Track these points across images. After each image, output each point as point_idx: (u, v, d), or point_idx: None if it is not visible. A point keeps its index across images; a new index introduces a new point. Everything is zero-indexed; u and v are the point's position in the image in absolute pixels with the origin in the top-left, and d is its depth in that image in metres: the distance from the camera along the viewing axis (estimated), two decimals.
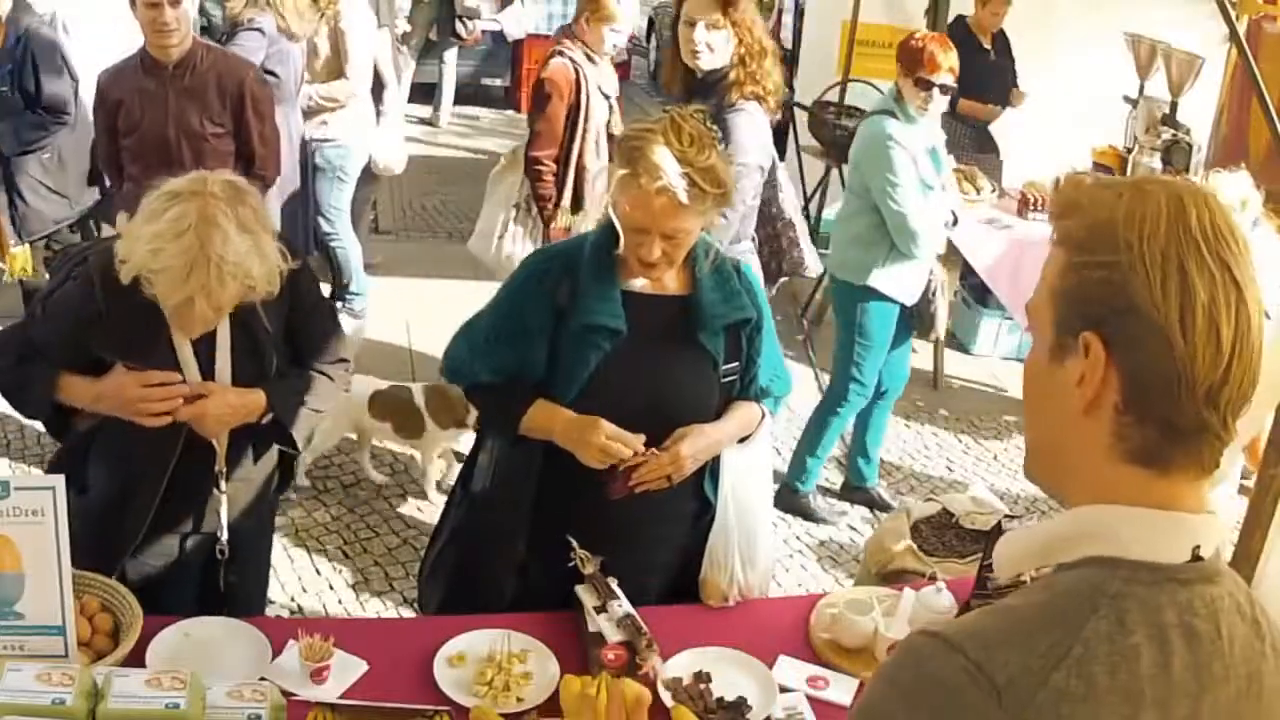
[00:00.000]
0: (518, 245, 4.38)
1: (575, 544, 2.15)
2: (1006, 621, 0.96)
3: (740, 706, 2.01)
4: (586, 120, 4.19)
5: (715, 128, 2.11)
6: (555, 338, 2.18)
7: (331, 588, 3.73)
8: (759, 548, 2.36)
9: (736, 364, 2.28)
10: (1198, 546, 0.96)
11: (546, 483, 2.24)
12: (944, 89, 3.92)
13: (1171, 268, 0.93)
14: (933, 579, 2.52)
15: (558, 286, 2.18)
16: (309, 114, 5.05)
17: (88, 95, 5.05)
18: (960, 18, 5.97)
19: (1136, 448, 0.96)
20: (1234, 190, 3.92)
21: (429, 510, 4.18)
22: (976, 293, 5.93)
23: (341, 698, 1.93)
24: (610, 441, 2.10)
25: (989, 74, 6.15)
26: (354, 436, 4.39)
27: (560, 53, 4.21)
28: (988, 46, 6.21)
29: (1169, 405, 0.94)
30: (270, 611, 3.53)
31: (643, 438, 2.14)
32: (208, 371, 2.22)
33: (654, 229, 2.07)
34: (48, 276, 2.50)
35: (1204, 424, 0.95)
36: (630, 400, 2.18)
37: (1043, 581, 0.99)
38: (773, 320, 2.40)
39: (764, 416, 2.36)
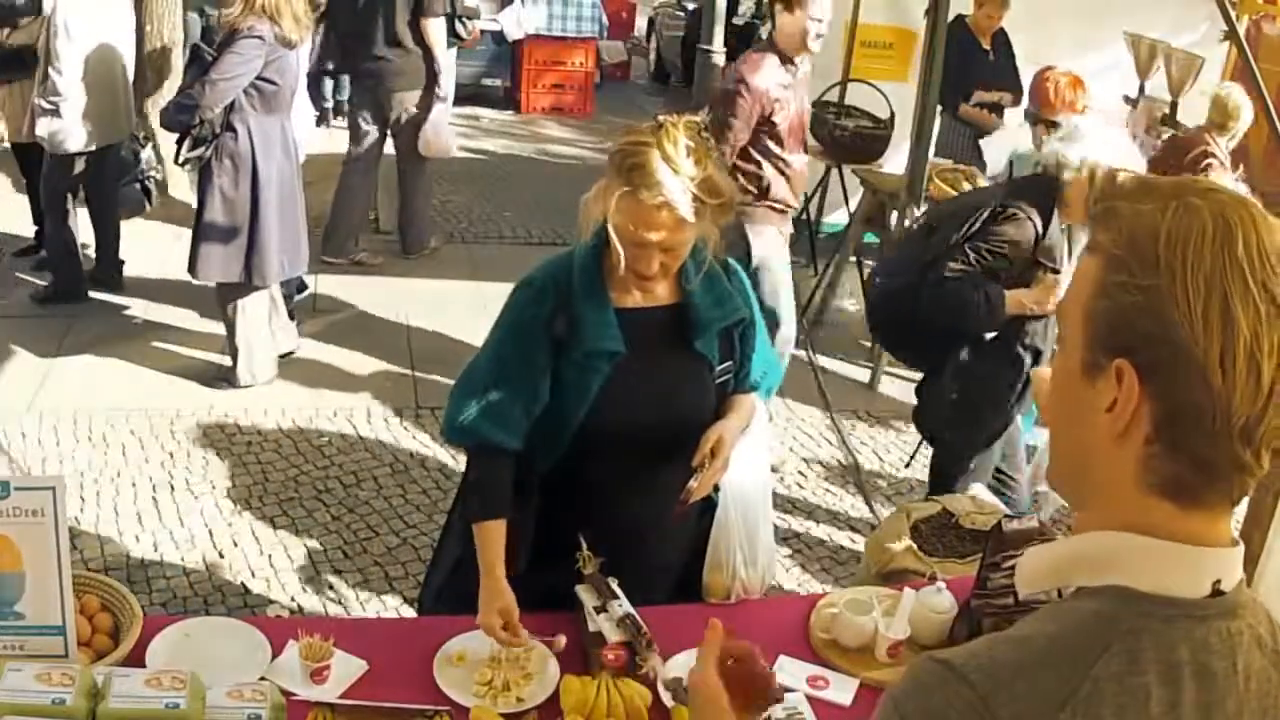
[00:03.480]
0: None
1: (584, 544, 2.15)
2: (1018, 653, 0.94)
3: None
4: None
5: (708, 136, 2.10)
6: (557, 367, 2.16)
7: (331, 588, 3.73)
8: (759, 544, 2.36)
9: (730, 363, 2.28)
10: (1219, 581, 0.95)
11: (551, 495, 2.24)
12: (1050, 127, 3.89)
13: (1214, 299, 0.88)
14: (933, 579, 2.52)
15: (554, 318, 2.15)
16: None
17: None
18: (960, 17, 5.97)
19: (1164, 480, 0.93)
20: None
21: (429, 510, 4.19)
22: None
23: (341, 698, 1.93)
24: (501, 631, 2.05)
25: (989, 75, 6.14)
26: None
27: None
28: (987, 47, 6.20)
29: (1202, 440, 0.90)
30: (270, 611, 3.54)
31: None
32: None
33: (654, 242, 2.05)
34: None
35: (1237, 460, 0.91)
36: (632, 415, 2.18)
37: (1057, 609, 0.97)
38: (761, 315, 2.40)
39: (758, 407, 2.36)
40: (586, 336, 2.13)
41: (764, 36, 4.88)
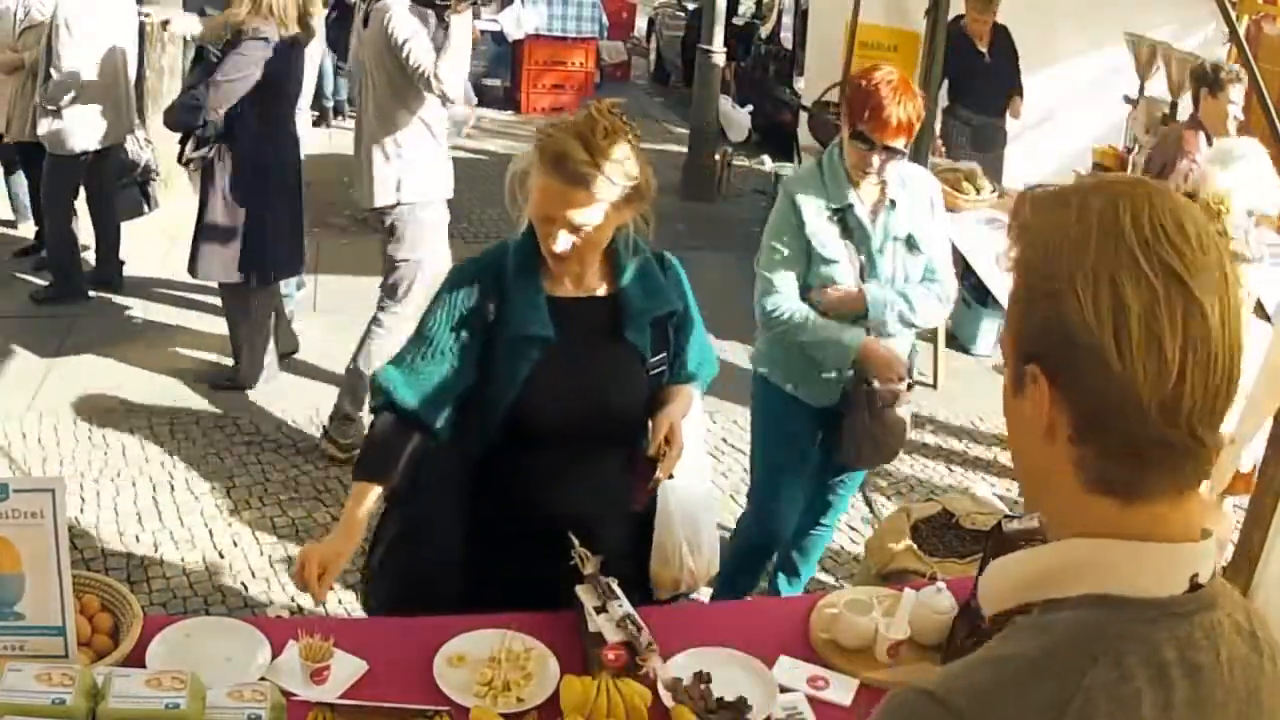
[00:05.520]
0: None
1: (576, 542, 2.15)
2: (1001, 673, 0.92)
3: (740, 706, 2.00)
4: None
5: (629, 120, 2.11)
6: (487, 350, 2.18)
7: (331, 588, 3.72)
8: (702, 533, 2.40)
9: (664, 355, 2.31)
10: (1196, 575, 0.93)
11: (487, 486, 2.25)
12: (890, 152, 2.89)
13: (1102, 285, 0.88)
14: (933, 579, 2.52)
15: (485, 299, 2.18)
16: None
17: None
18: (959, 17, 5.97)
19: (1098, 477, 0.93)
20: (1225, 181, 3.39)
21: None
22: (976, 293, 5.92)
23: (341, 698, 1.93)
24: (307, 575, 2.11)
25: (984, 75, 6.15)
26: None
27: None
28: (982, 48, 6.20)
29: (1122, 430, 0.90)
30: (270, 611, 3.54)
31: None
32: None
33: (559, 218, 2.08)
34: None
35: (1167, 441, 0.90)
36: (563, 403, 2.20)
37: (1034, 625, 0.96)
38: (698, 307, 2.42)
39: (694, 397, 2.40)
40: (516, 321, 2.16)
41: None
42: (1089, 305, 0.89)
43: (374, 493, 2.17)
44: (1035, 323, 0.93)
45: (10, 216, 6.68)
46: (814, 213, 2.97)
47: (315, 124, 8.54)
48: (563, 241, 2.10)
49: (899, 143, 2.88)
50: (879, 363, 2.92)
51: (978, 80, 6.12)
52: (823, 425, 3.14)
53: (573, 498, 2.23)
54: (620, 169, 2.06)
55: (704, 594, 3.72)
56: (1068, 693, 0.88)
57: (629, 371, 2.25)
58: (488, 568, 2.26)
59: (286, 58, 4.56)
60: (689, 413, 2.35)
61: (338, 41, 7.20)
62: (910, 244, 3.03)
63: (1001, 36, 6.23)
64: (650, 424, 2.29)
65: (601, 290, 2.25)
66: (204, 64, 4.62)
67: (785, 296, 2.98)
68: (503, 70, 11.17)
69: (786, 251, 2.98)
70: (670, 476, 2.28)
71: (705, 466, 2.49)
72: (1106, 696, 0.88)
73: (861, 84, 2.90)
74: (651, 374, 2.28)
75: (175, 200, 6.42)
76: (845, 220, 2.98)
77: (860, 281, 3.00)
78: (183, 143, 4.64)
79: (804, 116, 6.65)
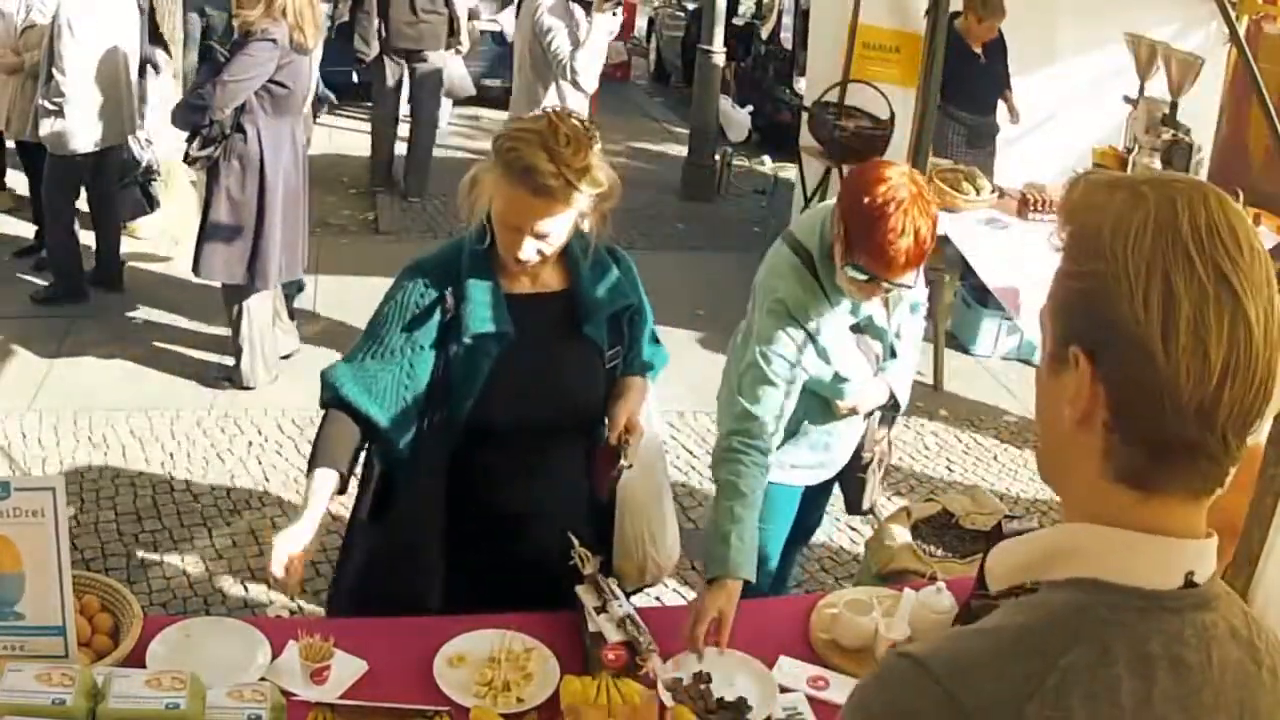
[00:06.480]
0: None
1: (576, 542, 2.16)
2: (985, 644, 0.93)
3: (740, 706, 2.01)
4: None
5: (590, 128, 2.10)
6: (443, 349, 2.18)
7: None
8: (663, 522, 2.41)
9: (619, 348, 2.32)
10: (1192, 572, 0.94)
11: (455, 481, 2.24)
12: (897, 287, 2.42)
13: (1155, 279, 0.88)
14: (933, 579, 2.52)
15: (440, 298, 2.17)
16: None
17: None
18: (956, 15, 5.95)
19: (1125, 466, 0.93)
20: None
21: None
22: (976, 293, 5.93)
23: (341, 698, 1.93)
24: (282, 573, 2.05)
25: (980, 75, 6.14)
26: None
27: None
28: (978, 50, 6.19)
29: (1156, 423, 0.90)
30: (270, 611, 3.54)
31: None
32: None
33: (527, 228, 2.08)
34: None
35: (1196, 444, 0.90)
36: (523, 401, 2.20)
37: (1027, 601, 0.96)
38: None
39: (648, 388, 2.43)
40: (475, 319, 2.15)
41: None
42: (1139, 297, 0.88)
43: (332, 477, 2.15)
44: (1082, 304, 0.93)
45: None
46: (827, 329, 2.48)
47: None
48: (529, 251, 2.11)
49: (908, 278, 2.36)
50: (709, 604, 2.16)
51: (973, 81, 6.11)
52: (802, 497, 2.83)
53: (535, 493, 2.24)
54: (588, 177, 2.06)
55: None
56: (1045, 670, 0.89)
57: (588, 366, 2.27)
58: (458, 567, 2.25)
59: (293, 60, 4.56)
60: (644, 402, 2.37)
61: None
62: (913, 308, 2.73)
63: (996, 40, 6.22)
64: (607, 416, 2.30)
65: (557, 285, 2.25)
66: (210, 63, 4.62)
67: (754, 442, 2.39)
68: (503, 70, 11.12)
69: (780, 378, 2.44)
70: (629, 466, 2.27)
71: (660, 457, 2.50)
72: (1084, 678, 0.89)
73: (864, 200, 2.29)
74: (608, 367, 2.30)
75: (176, 200, 6.42)
76: (859, 325, 2.59)
77: (878, 367, 2.66)
78: (189, 141, 4.64)
79: (804, 116, 6.63)
